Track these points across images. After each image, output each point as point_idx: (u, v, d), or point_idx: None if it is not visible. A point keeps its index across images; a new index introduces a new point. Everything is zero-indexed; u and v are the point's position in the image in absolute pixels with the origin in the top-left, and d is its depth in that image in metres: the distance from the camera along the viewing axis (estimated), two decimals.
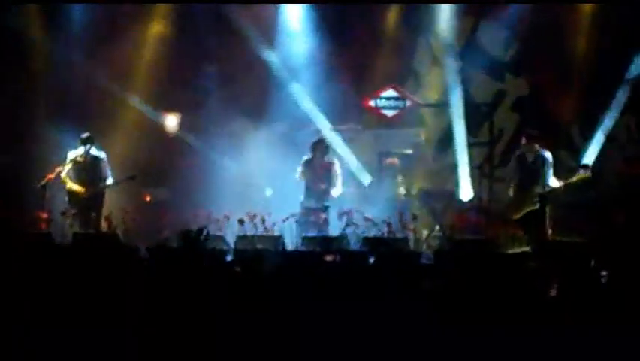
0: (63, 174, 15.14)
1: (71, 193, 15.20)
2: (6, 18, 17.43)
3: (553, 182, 14.38)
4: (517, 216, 14.43)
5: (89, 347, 9.76)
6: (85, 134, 15.28)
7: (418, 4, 17.87)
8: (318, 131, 17.22)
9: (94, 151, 15.31)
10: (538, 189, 14.33)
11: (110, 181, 15.26)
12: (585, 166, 15.43)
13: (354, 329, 10.06)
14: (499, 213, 15.65)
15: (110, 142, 16.54)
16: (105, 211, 15.03)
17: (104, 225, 14.78)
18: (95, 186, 15.22)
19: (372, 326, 10.08)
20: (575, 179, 14.36)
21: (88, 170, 15.26)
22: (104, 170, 15.31)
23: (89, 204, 15.21)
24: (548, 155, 14.53)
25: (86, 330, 10.25)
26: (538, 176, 14.41)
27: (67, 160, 15.22)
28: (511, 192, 14.69)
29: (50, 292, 10.98)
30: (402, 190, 16.41)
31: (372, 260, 12.48)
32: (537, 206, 14.32)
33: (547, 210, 14.38)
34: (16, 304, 10.62)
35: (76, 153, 15.28)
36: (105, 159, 15.35)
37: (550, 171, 14.44)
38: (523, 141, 14.81)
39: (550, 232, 14.25)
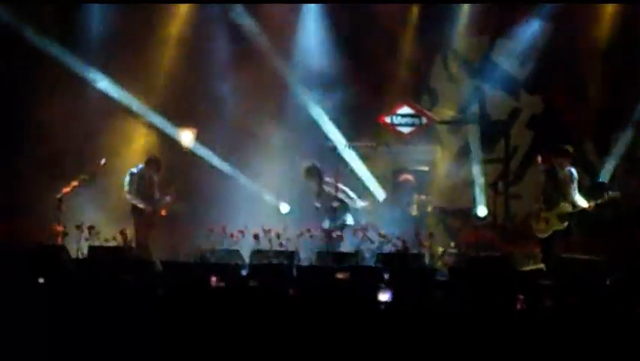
0: (127, 189, 15.37)
1: (139, 209, 15.38)
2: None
3: (580, 199, 14.28)
4: (543, 235, 14.33)
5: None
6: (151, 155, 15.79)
7: (434, 19, 17.87)
8: (334, 148, 17.21)
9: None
10: (566, 207, 14.24)
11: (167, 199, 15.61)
12: (601, 184, 15.41)
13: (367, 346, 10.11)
14: (515, 230, 15.61)
15: (125, 157, 16.67)
16: (120, 225, 15.08)
17: (118, 238, 14.80)
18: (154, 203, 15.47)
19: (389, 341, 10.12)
20: (606, 198, 14.27)
21: (150, 187, 15.49)
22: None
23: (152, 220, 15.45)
24: (574, 171, 14.42)
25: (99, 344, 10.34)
26: (567, 193, 14.30)
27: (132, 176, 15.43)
28: (537, 207, 14.57)
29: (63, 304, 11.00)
30: (415, 208, 16.33)
31: (386, 276, 12.46)
32: (564, 226, 14.21)
33: (574, 229, 14.31)
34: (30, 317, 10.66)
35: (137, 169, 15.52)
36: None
37: (576, 188, 14.34)
38: (539, 159, 14.80)
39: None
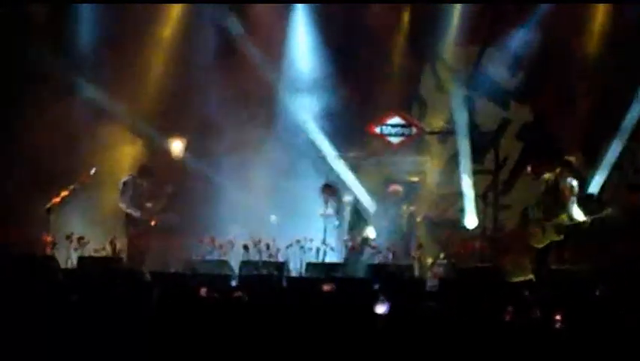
0: (121, 198, 15.31)
1: (133, 219, 15.33)
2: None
3: (577, 212, 14.21)
4: (539, 245, 14.28)
5: None
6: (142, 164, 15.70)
7: (424, 28, 17.89)
8: (323, 158, 17.20)
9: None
10: (564, 219, 14.24)
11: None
12: (590, 195, 15.39)
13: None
14: (504, 241, 15.58)
15: (115, 166, 16.63)
16: (110, 235, 15.02)
17: (108, 249, 14.76)
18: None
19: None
20: (604, 215, 14.25)
21: (142, 196, 15.45)
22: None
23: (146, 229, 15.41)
24: (575, 183, 14.34)
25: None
26: (566, 204, 14.19)
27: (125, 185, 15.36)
28: (534, 216, 14.53)
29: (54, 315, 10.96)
30: (404, 219, 16.23)
31: (376, 287, 12.45)
32: (561, 237, 14.17)
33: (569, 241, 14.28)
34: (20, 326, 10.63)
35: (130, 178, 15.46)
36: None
37: (575, 201, 14.29)
38: (529, 169, 14.79)
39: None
